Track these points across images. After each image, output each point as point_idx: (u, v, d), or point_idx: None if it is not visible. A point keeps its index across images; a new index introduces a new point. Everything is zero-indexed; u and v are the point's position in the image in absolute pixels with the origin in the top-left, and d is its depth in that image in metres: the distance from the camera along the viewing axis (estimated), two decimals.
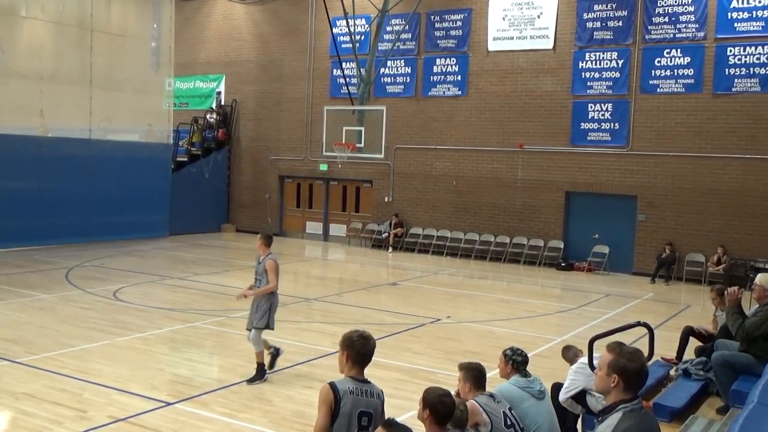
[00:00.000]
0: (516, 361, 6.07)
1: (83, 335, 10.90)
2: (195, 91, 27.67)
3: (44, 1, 21.05)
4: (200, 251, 21.14)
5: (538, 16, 20.81)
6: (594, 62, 20.11)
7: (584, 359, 6.94)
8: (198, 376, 8.62)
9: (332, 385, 4.46)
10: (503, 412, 5.39)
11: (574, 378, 6.89)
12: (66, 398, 8.01)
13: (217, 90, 27.12)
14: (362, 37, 23.20)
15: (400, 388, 8.41)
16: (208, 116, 26.62)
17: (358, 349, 4.53)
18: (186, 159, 25.50)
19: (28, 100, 19.97)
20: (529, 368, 6.15)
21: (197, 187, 25.26)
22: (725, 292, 8.91)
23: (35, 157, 19.97)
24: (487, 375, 5.69)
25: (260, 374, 8.85)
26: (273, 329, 8.96)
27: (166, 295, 14.58)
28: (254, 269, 9.05)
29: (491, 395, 5.51)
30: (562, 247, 20.55)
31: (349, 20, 20.92)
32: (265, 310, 8.82)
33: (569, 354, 7.35)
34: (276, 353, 9.12)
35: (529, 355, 6.28)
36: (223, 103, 26.90)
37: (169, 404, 7.97)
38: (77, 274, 16.35)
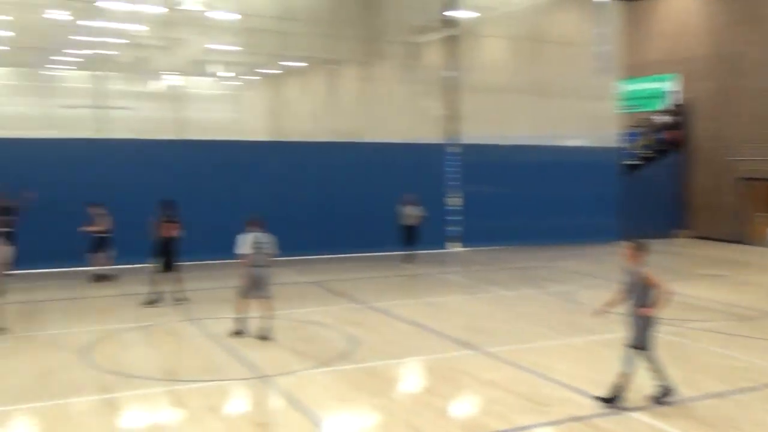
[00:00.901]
0: None
1: (538, 332, 11.38)
2: (643, 93, 26.94)
3: (500, 19, 22.78)
4: (653, 257, 20.29)
5: None
6: None
7: None
8: (650, 385, 8.22)
9: None
10: None
11: None
12: (524, 390, 8.39)
13: (668, 90, 26.00)
14: None
15: None
16: (658, 117, 25.66)
17: None
18: (637, 162, 24.98)
19: (485, 112, 21.68)
20: None
21: (649, 191, 24.51)
22: None
23: (494, 165, 21.55)
24: None
25: (611, 398, 7.83)
26: (649, 350, 7.95)
27: None
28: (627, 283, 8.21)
29: None
30: None
31: None
32: (641, 327, 7.86)
33: None
34: (663, 393, 7.96)
35: None
36: (676, 102, 25.67)
37: (623, 410, 7.76)
38: (532, 275, 17.23)
